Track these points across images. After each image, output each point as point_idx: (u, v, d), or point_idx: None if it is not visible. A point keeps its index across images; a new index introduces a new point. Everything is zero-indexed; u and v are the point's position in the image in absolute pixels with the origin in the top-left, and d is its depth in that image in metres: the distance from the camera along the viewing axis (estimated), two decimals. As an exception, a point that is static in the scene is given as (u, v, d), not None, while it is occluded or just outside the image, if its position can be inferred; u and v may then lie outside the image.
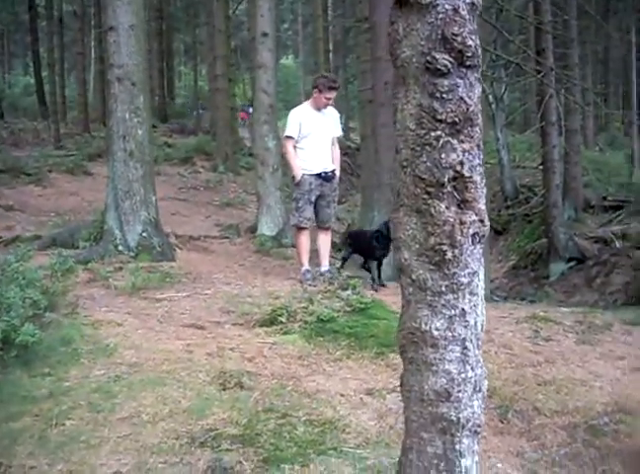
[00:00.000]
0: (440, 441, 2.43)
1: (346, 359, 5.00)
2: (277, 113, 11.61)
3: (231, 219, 12.81)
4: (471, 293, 2.34)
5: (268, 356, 5.01)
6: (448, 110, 2.22)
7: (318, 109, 7.85)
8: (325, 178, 7.82)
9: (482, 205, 2.32)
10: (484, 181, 2.33)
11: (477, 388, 2.42)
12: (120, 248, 8.07)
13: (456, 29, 2.20)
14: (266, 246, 9.89)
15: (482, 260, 2.37)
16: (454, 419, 2.39)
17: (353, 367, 4.85)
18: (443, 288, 2.30)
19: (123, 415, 3.87)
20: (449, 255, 2.26)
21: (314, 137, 7.81)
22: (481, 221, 2.31)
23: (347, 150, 25.06)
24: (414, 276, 2.34)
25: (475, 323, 2.37)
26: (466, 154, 2.25)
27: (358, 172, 17.06)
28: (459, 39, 2.20)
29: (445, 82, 2.22)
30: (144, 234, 8.22)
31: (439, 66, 2.21)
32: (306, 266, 7.77)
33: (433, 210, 2.25)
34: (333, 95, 7.83)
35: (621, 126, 32.79)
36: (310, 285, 7.01)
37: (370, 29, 10.21)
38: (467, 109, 2.24)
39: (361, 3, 13.07)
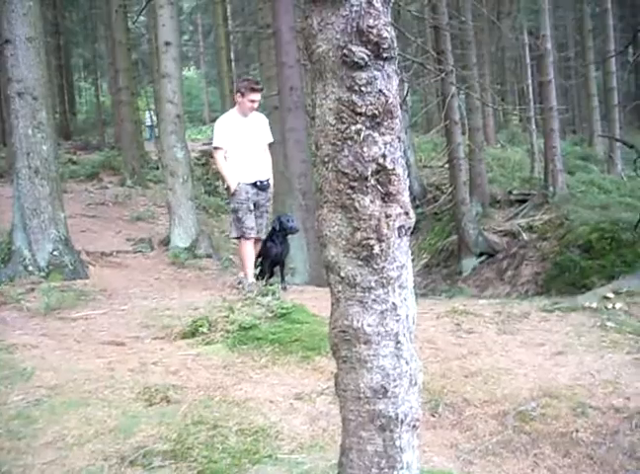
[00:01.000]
0: (379, 439, 2.40)
1: (272, 366, 4.94)
2: (184, 123, 11.48)
3: (143, 233, 12.56)
4: (401, 287, 2.32)
5: (192, 368, 4.92)
6: (368, 102, 2.20)
7: (244, 115, 7.54)
8: (260, 187, 7.54)
9: (406, 198, 2.32)
10: (406, 173, 2.33)
11: (413, 382, 2.40)
12: (31, 268, 7.80)
13: (371, 21, 2.18)
14: (180, 258, 9.75)
15: (409, 252, 2.37)
16: (393, 415, 2.37)
17: (279, 373, 4.80)
18: (373, 283, 2.28)
19: (47, 439, 3.70)
20: (377, 249, 2.24)
21: (244, 145, 7.49)
22: (406, 214, 2.30)
23: (256, 158, 24.98)
24: (342, 273, 2.30)
25: (407, 316, 2.36)
26: (388, 146, 2.24)
27: (268, 180, 17.07)
28: (375, 31, 2.18)
29: (363, 75, 2.20)
30: (55, 253, 7.97)
31: (355, 59, 2.18)
32: (252, 278, 7.48)
33: (357, 205, 2.23)
34: (257, 97, 7.48)
35: (520, 123, 33.69)
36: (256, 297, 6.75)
37: (274, 34, 10.22)
38: (386, 101, 2.23)
39: (262, 10, 13.05)
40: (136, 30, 32.34)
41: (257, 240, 7.69)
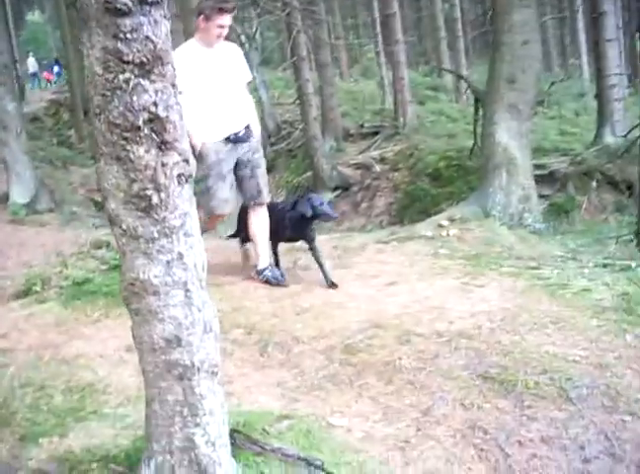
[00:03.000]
0: (179, 388, 2.41)
1: (104, 319, 4.87)
2: (12, 72, 10.93)
3: (-20, 192, 12.00)
4: (186, 235, 2.31)
5: (23, 329, 4.78)
6: (135, 50, 2.14)
7: (209, 45, 5.46)
8: (236, 140, 5.60)
9: (185, 145, 2.29)
10: (183, 120, 2.29)
11: (208, 329, 2.41)
12: None
13: (129, -36, 2.10)
14: (19, 214, 9.43)
15: (193, 200, 2.34)
16: (189, 363, 2.38)
17: (111, 326, 4.72)
18: (156, 234, 2.25)
19: None
20: (156, 199, 2.21)
21: (211, 86, 5.45)
22: (185, 161, 2.28)
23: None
24: (124, 226, 2.26)
25: (195, 265, 2.35)
26: (159, 94, 2.19)
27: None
28: (134, -26, 2.11)
29: (128, 22, 2.13)
30: None
31: (118, 5, 2.11)
32: (266, 262, 5.76)
33: (132, 156, 2.18)
34: (228, 21, 5.37)
35: (374, 57, 33.95)
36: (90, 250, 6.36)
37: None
38: (155, 47, 2.17)
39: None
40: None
41: (260, 206, 5.83)
